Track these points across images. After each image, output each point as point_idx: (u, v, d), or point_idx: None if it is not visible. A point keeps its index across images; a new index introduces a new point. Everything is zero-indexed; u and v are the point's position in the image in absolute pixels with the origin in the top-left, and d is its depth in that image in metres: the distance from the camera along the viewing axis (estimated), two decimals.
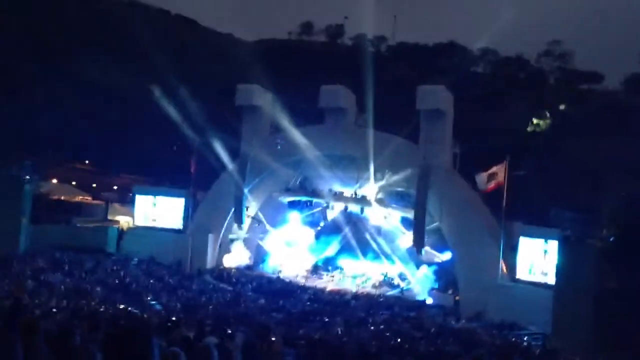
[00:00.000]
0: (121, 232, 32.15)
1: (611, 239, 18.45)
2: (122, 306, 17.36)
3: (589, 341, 16.33)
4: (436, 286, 27.34)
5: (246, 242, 31.74)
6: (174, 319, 14.32)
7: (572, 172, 28.92)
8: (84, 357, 4.48)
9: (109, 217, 34.58)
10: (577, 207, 22.76)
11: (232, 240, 31.35)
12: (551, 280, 21.86)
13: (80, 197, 37.88)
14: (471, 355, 10.28)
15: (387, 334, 16.43)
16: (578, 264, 18.44)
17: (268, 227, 31.79)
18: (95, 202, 36.93)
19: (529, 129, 32.98)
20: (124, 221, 33.98)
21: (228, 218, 30.66)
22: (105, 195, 38.30)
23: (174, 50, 36.20)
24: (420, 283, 27.69)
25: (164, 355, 4.58)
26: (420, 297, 26.88)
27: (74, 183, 40.62)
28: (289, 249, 31.09)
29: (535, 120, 33.45)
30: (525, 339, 19.54)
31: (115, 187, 42.34)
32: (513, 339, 18.96)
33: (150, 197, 32.28)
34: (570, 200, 24.39)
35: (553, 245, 21.63)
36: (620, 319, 16.37)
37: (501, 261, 24.80)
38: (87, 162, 44.22)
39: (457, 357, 11.61)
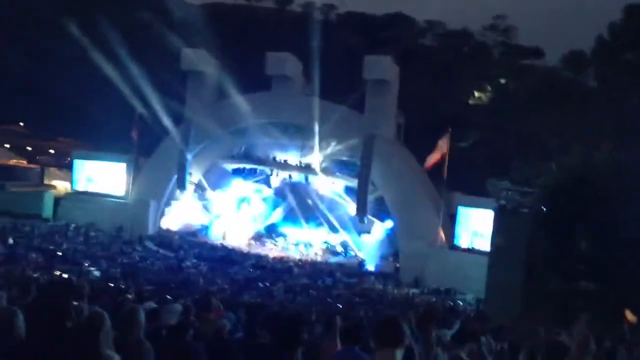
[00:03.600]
0: (58, 198, 31.13)
1: (542, 209, 19.25)
2: (58, 272, 16.96)
3: (519, 307, 17.13)
4: (380, 253, 27.87)
5: (190, 207, 31.34)
6: (111, 285, 14.14)
7: (510, 144, 29.83)
8: (5, 317, 4.36)
9: (45, 182, 33.36)
10: (513, 178, 23.54)
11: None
12: (487, 248, 22.66)
13: (14, 160, 36.28)
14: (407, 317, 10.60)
15: (329, 300, 16.77)
16: (511, 232, 19.19)
17: (211, 193, 31.47)
18: (30, 166, 35.47)
19: (470, 101, 33.69)
20: (61, 186, 32.87)
21: (170, 184, 30.21)
22: (42, 159, 36.86)
23: (115, 11, 34.73)
24: (367, 250, 28.11)
25: (88, 316, 4.51)
26: (367, 264, 27.37)
27: (7, 146, 38.80)
28: (235, 214, 30.89)
29: (477, 94, 34.18)
30: (460, 303, 20.37)
31: (52, 151, 40.78)
32: (449, 303, 19.73)
33: (90, 162, 31.37)
34: (507, 171, 25.18)
35: (490, 214, 22.37)
36: (548, 288, 17.24)
37: (440, 229, 25.57)
38: (21, 123, 42.26)
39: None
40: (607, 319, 15.51)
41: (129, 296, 10.47)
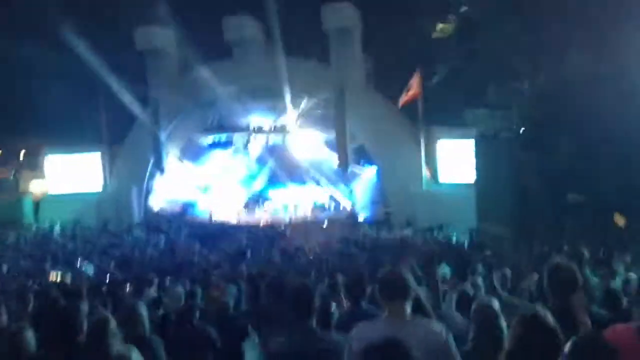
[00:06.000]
0: (38, 201, 30.60)
1: (522, 131, 19.28)
2: (51, 276, 16.76)
3: (511, 231, 17.36)
4: (371, 199, 27.93)
5: (176, 181, 30.95)
6: (107, 279, 14.02)
7: (482, 72, 29.60)
8: (12, 337, 4.29)
9: (21, 187, 32.71)
10: (489, 104, 23.41)
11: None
12: (472, 178, 22.73)
13: None
14: (406, 262, 10.67)
15: (324, 257, 16.83)
16: (494, 159, 19.29)
17: (191, 167, 31.06)
18: (2, 173, 34.65)
19: (434, 35, 33.23)
20: (39, 188, 32.24)
21: (149, 167, 29.80)
22: (13, 163, 35.96)
23: (59, 1, 33.40)
24: (357, 198, 28.15)
25: (93, 322, 4.46)
26: (359, 213, 27.46)
27: None
28: (220, 186, 30.63)
29: (440, 26, 33.70)
30: (454, 236, 20.61)
31: (23, 152, 39.70)
32: (443, 240, 19.95)
33: (64, 158, 30.78)
34: (483, 98, 25.03)
35: (470, 144, 22.38)
36: (538, 207, 17.42)
37: (424, 167, 25.65)
38: None
39: (393, 264, 12.00)
40: (598, 226, 15.82)
41: (127, 288, 10.37)
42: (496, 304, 4.24)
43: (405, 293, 3.69)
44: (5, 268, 17.70)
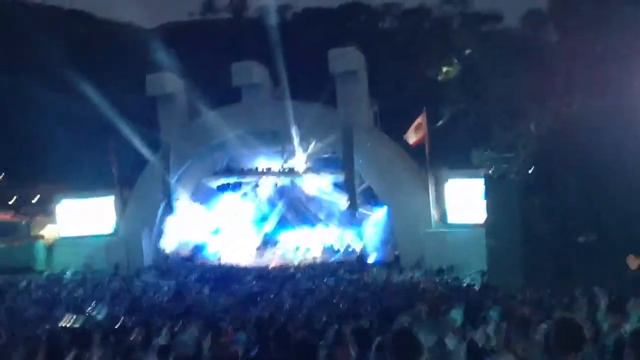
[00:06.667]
0: (49, 246, 30.79)
1: (530, 171, 19.32)
2: (61, 323, 16.74)
3: (521, 273, 17.22)
4: (382, 239, 27.75)
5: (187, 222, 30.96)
6: (118, 325, 14.00)
7: (487, 113, 29.94)
8: None
9: (34, 232, 32.99)
10: (495, 145, 23.55)
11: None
12: (481, 219, 22.67)
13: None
14: (414, 309, 10.63)
15: (334, 301, 16.74)
16: (503, 200, 19.29)
17: (201, 210, 31.14)
18: (16, 218, 35.06)
19: (439, 77, 33.79)
20: (50, 234, 32.51)
21: (159, 211, 30.00)
22: (26, 210, 36.39)
23: (72, 48, 34.38)
24: (368, 239, 27.98)
25: None
26: (369, 255, 27.27)
27: None
28: (230, 229, 30.65)
29: (444, 68, 34.30)
30: (464, 280, 20.44)
31: (35, 199, 40.22)
32: (454, 282, 19.79)
33: (74, 204, 31.09)
34: (489, 140, 25.22)
35: (479, 185, 22.38)
36: (548, 249, 17.32)
37: (432, 208, 25.63)
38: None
39: (403, 310, 11.95)
40: (611, 268, 15.67)
41: (136, 336, 10.35)
42: None
43: (418, 356, 3.67)
44: (25, 314, 17.78)
